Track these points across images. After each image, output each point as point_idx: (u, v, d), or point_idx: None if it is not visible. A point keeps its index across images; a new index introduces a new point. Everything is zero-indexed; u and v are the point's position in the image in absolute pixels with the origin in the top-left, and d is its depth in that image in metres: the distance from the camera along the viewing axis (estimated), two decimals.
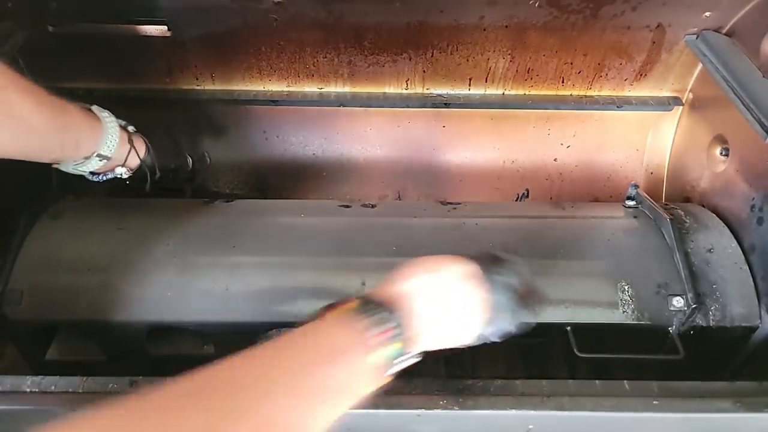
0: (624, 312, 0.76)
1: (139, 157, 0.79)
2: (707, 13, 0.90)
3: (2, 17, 0.88)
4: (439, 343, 0.52)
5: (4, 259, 0.79)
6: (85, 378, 0.58)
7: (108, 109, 0.78)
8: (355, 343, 0.44)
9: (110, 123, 0.74)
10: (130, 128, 0.78)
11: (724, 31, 0.92)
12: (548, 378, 0.60)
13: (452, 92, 1.07)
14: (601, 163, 1.14)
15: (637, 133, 1.12)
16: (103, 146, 0.72)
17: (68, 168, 0.73)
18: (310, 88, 1.06)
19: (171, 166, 0.88)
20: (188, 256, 0.80)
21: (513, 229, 0.85)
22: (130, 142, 0.76)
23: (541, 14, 0.91)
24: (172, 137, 0.91)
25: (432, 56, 1.01)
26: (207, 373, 0.37)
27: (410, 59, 1.02)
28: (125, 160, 0.77)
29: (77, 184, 0.97)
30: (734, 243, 0.82)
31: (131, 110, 1.07)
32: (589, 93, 1.07)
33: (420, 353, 0.51)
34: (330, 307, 0.49)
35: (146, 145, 0.80)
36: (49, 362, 0.83)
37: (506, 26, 0.94)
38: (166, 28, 0.94)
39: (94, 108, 0.74)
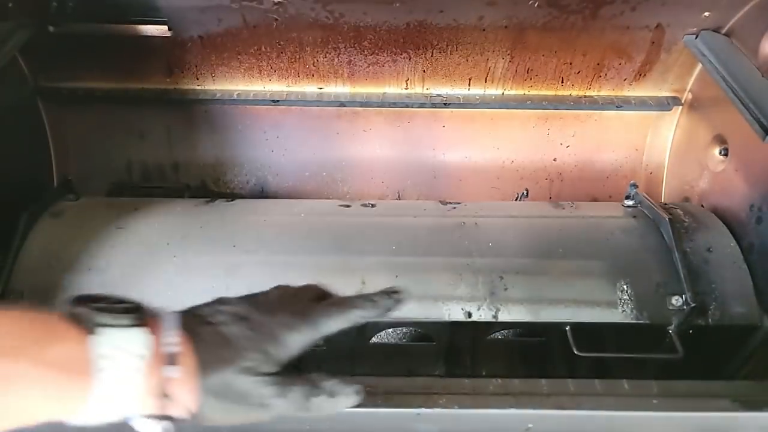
0: (623, 311, 0.76)
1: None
2: (706, 13, 0.90)
3: (2, 17, 0.88)
4: None
5: (4, 259, 0.79)
6: None
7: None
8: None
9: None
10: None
11: (723, 31, 0.92)
12: (547, 377, 0.60)
13: (452, 92, 1.07)
14: (601, 163, 1.14)
15: (637, 133, 1.12)
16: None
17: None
18: (310, 87, 1.07)
19: None
20: (188, 255, 0.80)
21: (512, 228, 0.85)
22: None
23: (540, 14, 0.91)
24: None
25: (432, 56, 1.01)
26: None
27: (410, 59, 1.02)
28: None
29: (77, 184, 0.98)
30: (733, 242, 0.82)
31: (131, 110, 1.09)
32: (589, 93, 1.07)
33: None
34: None
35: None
36: None
37: (506, 26, 0.95)
38: (166, 27, 0.94)
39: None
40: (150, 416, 0.41)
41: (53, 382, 0.36)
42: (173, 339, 0.42)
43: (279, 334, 0.45)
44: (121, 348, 0.38)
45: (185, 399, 0.41)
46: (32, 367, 0.35)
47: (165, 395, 0.40)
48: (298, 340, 0.45)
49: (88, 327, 0.39)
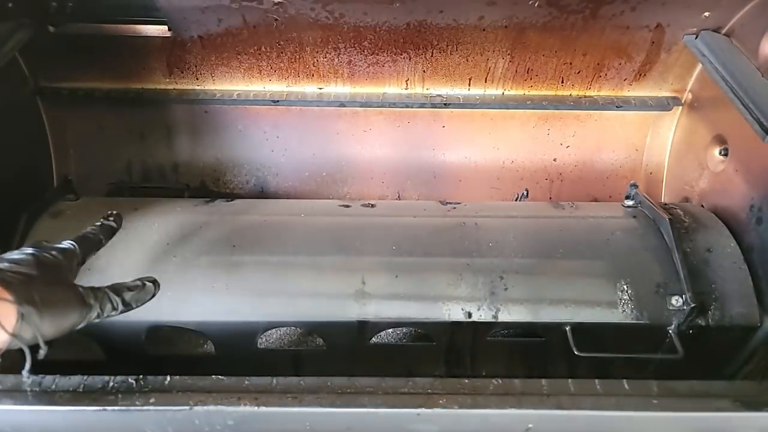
0: (623, 311, 0.76)
1: (6, 331, 0.50)
2: (706, 14, 0.91)
3: (2, 17, 0.88)
4: None
5: None
6: (85, 377, 0.58)
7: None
8: None
9: None
10: None
11: (723, 31, 0.92)
12: (548, 377, 0.60)
13: (452, 92, 1.07)
14: (601, 163, 1.14)
15: (637, 133, 1.12)
16: None
17: None
18: (310, 88, 1.07)
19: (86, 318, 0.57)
20: (188, 255, 0.80)
21: (512, 228, 0.85)
22: None
23: (540, 14, 0.92)
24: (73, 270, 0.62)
25: (432, 56, 1.01)
26: None
27: (410, 59, 1.02)
28: None
29: (77, 184, 0.98)
30: (733, 243, 0.82)
31: (131, 110, 1.09)
32: (589, 93, 1.07)
33: None
34: None
35: (19, 312, 0.50)
36: (49, 362, 0.83)
37: (506, 26, 0.95)
38: (166, 28, 0.94)
39: None
40: None
41: None
42: None
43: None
44: None
45: (5, 314, 0.49)
46: None
47: None
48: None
49: None
